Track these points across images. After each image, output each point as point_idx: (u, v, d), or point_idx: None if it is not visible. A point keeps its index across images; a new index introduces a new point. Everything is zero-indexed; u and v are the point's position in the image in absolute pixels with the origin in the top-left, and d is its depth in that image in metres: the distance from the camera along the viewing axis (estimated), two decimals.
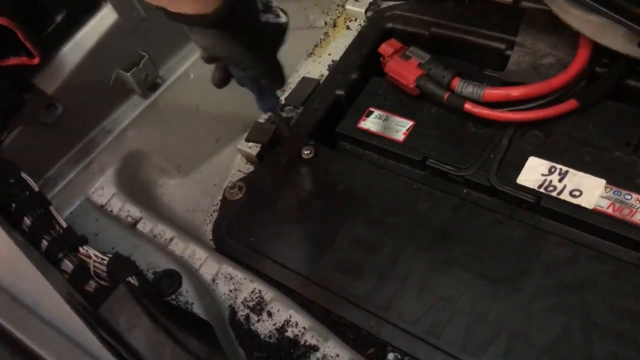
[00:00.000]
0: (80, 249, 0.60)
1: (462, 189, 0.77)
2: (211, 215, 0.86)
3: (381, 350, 0.66)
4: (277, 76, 0.70)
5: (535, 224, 0.70)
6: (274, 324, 0.69)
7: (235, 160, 0.90)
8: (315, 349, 0.66)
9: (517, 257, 0.68)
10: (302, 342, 0.66)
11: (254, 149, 0.88)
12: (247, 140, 0.88)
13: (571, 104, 0.74)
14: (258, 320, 0.70)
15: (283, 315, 0.69)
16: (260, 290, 0.72)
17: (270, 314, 0.70)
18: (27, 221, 0.62)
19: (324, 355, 0.65)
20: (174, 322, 0.49)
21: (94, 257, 0.59)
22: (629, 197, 0.66)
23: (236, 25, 0.60)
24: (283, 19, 0.67)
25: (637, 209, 0.65)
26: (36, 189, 0.66)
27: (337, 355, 0.65)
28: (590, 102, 0.75)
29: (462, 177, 0.76)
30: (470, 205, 0.74)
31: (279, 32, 0.67)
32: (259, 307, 0.71)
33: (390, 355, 0.65)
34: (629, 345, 0.59)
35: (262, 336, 0.68)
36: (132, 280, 0.56)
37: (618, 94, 0.76)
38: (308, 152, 0.85)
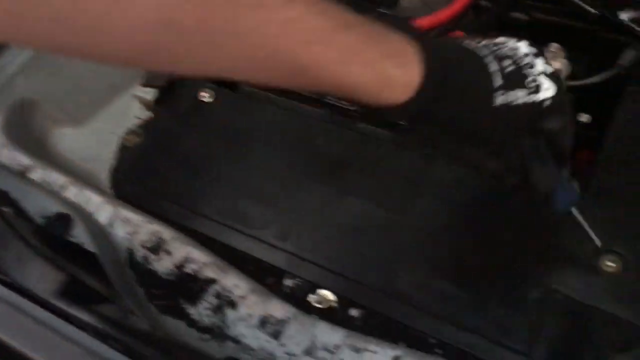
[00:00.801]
0: None
1: (358, 123, 0.78)
2: (109, 163, 0.83)
3: (280, 278, 0.67)
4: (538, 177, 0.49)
5: (425, 150, 0.73)
6: (173, 262, 0.68)
7: (133, 106, 0.87)
8: (214, 281, 0.66)
9: (409, 182, 0.71)
10: (201, 277, 0.66)
11: (151, 94, 0.86)
12: (144, 85, 0.86)
13: (458, 35, 0.76)
14: (156, 260, 0.69)
15: (182, 253, 0.69)
16: (158, 231, 0.71)
17: (169, 253, 0.69)
18: None
19: (223, 287, 0.65)
20: (52, 248, 0.48)
21: None
22: None
23: (446, 117, 0.44)
24: (543, 93, 0.45)
25: None
26: None
27: (236, 285, 0.65)
28: (475, 34, 0.77)
29: (357, 111, 0.78)
30: (365, 138, 0.76)
31: (531, 115, 0.45)
32: (157, 246, 0.70)
33: (289, 282, 0.66)
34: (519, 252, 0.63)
35: (160, 274, 0.68)
36: (5, 209, 0.54)
37: (502, 26, 0.79)
38: (207, 95, 0.84)
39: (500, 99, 0.44)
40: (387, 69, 0.40)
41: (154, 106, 0.86)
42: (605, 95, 0.70)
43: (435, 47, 0.43)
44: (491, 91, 0.44)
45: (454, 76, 0.43)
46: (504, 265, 0.62)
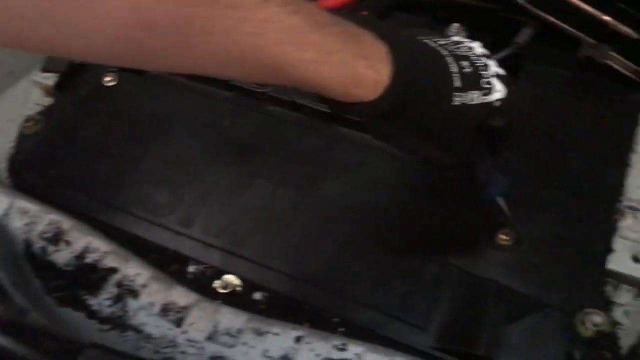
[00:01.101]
0: None
1: (267, 106, 0.77)
2: (7, 153, 0.80)
3: (184, 265, 0.66)
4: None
5: (332, 133, 0.73)
6: (72, 252, 0.66)
7: (33, 93, 0.83)
8: (114, 271, 0.64)
9: (316, 164, 0.70)
10: (102, 267, 0.64)
11: (51, 79, 0.82)
12: (44, 70, 0.82)
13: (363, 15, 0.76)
14: (55, 251, 0.67)
15: (82, 243, 0.66)
16: (58, 221, 0.68)
17: (68, 243, 0.67)
18: None
19: (125, 276, 0.64)
20: None
21: None
22: None
23: (411, 115, 0.45)
24: (495, 95, 0.48)
25: None
26: None
27: (138, 274, 0.63)
28: (381, 14, 0.78)
29: (266, 94, 0.77)
30: (274, 120, 0.75)
31: (481, 115, 0.48)
32: (56, 237, 0.67)
33: (192, 268, 0.65)
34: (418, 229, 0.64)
35: (59, 265, 0.65)
36: None
37: (407, 6, 0.79)
38: (110, 79, 0.81)
39: (458, 99, 0.46)
40: (358, 69, 0.41)
41: (55, 92, 0.82)
42: None
43: (404, 47, 0.44)
44: (452, 92, 0.46)
45: (420, 77, 0.45)
46: (405, 243, 0.63)
